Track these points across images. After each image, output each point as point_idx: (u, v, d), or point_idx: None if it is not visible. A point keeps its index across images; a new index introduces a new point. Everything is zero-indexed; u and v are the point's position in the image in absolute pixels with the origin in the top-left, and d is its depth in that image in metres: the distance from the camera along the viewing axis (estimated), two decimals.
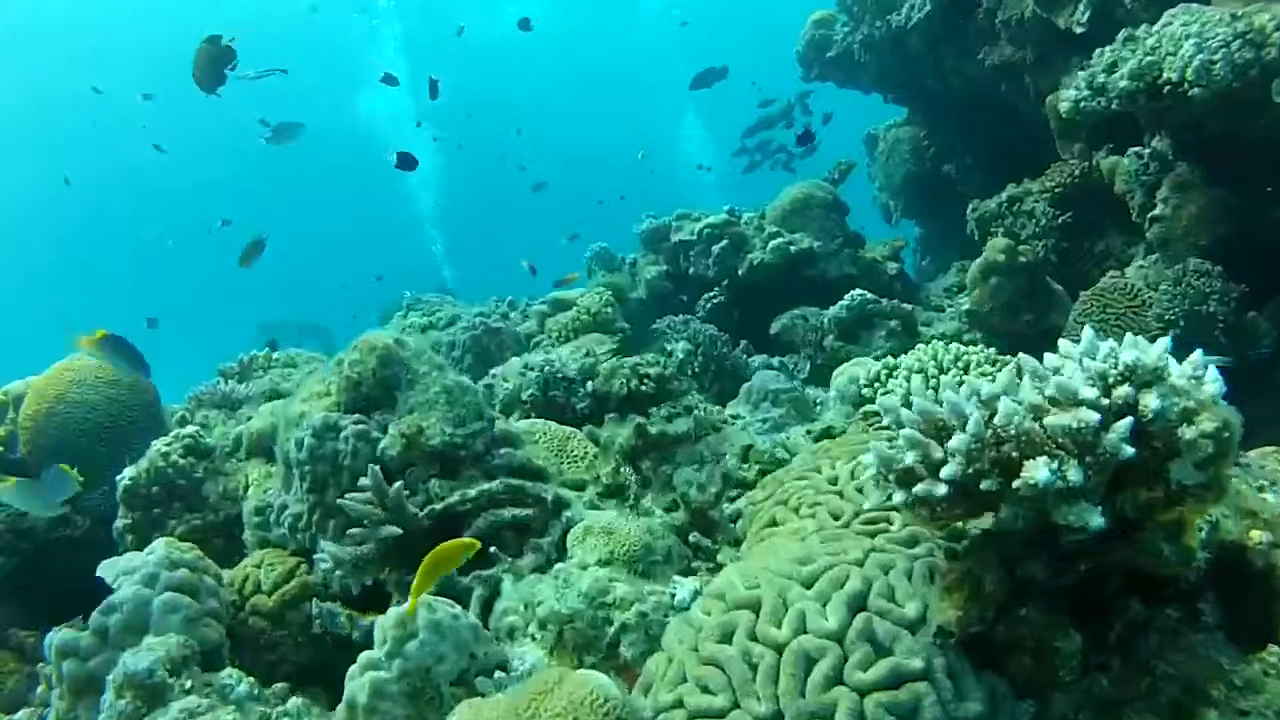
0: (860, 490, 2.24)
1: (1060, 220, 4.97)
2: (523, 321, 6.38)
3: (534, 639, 2.27)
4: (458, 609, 2.21)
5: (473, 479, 2.78)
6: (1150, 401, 1.54)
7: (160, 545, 2.68)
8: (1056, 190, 5.01)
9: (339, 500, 2.70)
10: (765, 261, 5.85)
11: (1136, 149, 4.30)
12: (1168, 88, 3.75)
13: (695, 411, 3.27)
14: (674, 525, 2.72)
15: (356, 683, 2.09)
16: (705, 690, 1.78)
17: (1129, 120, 4.25)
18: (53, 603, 3.12)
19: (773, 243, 5.87)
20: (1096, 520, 1.54)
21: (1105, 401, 1.57)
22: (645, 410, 3.24)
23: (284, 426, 3.02)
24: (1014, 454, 1.58)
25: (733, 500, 2.81)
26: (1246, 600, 1.82)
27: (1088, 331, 1.70)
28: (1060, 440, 1.56)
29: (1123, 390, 1.57)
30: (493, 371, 4.13)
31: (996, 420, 1.59)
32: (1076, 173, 4.93)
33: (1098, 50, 4.17)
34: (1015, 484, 1.56)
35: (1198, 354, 1.64)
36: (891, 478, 1.72)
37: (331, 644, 2.71)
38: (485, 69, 23.82)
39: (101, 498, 3.78)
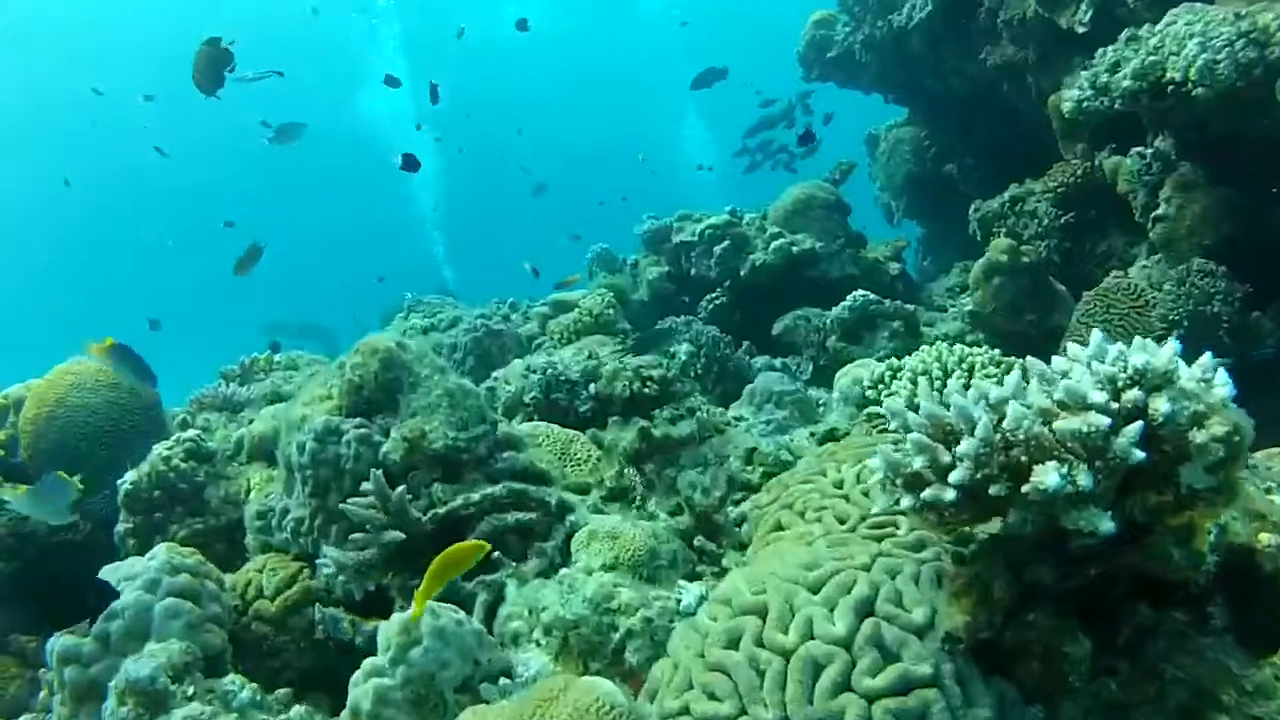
0: (866, 494, 2.23)
1: (1063, 220, 4.96)
2: (524, 323, 6.37)
3: (539, 645, 2.26)
4: (462, 615, 2.20)
5: (476, 483, 2.77)
6: (1160, 405, 1.53)
7: (161, 550, 2.67)
8: (1059, 190, 5.00)
9: (341, 505, 2.69)
10: (767, 262, 5.84)
11: (1139, 149, 4.29)
12: (1171, 87, 3.74)
13: (698, 413, 3.26)
14: (679, 529, 2.71)
15: (360, 689, 2.08)
16: (712, 697, 1.77)
17: (1131, 120, 4.24)
18: (54, 607, 3.11)
19: (775, 243, 5.86)
20: (1107, 525, 1.52)
21: (1115, 405, 1.55)
22: (648, 412, 3.23)
23: (285, 430, 3.00)
24: (1023, 459, 1.57)
25: (737, 504, 2.80)
26: (1256, 603, 1.81)
27: (1096, 334, 1.69)
28: (1070, 445, 1.55)
29: (1132, 394, 1.56)
30: (495, 374, 4.12)
31: (1005, 425, 1.58)
32: (1079, 173, 4.93)
33: (1100, 50, 4.16)
34: (1024, 489, 1.54)
35: (1207, 356, 1.63)
36: (899, 482, 1.71)
37: (334, 649, 2.69)
38: (485, 69, 23.82)
39: (103, 502, 3.77)
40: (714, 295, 6.03)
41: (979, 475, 1.59)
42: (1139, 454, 1.51)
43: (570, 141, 28.51)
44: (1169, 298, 3.87)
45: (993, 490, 1.58)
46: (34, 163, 22.75)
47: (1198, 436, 1.54)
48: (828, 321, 5.11)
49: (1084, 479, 1.51)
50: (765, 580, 1.93)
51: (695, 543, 2.69)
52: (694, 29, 19.89)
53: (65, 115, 21.49)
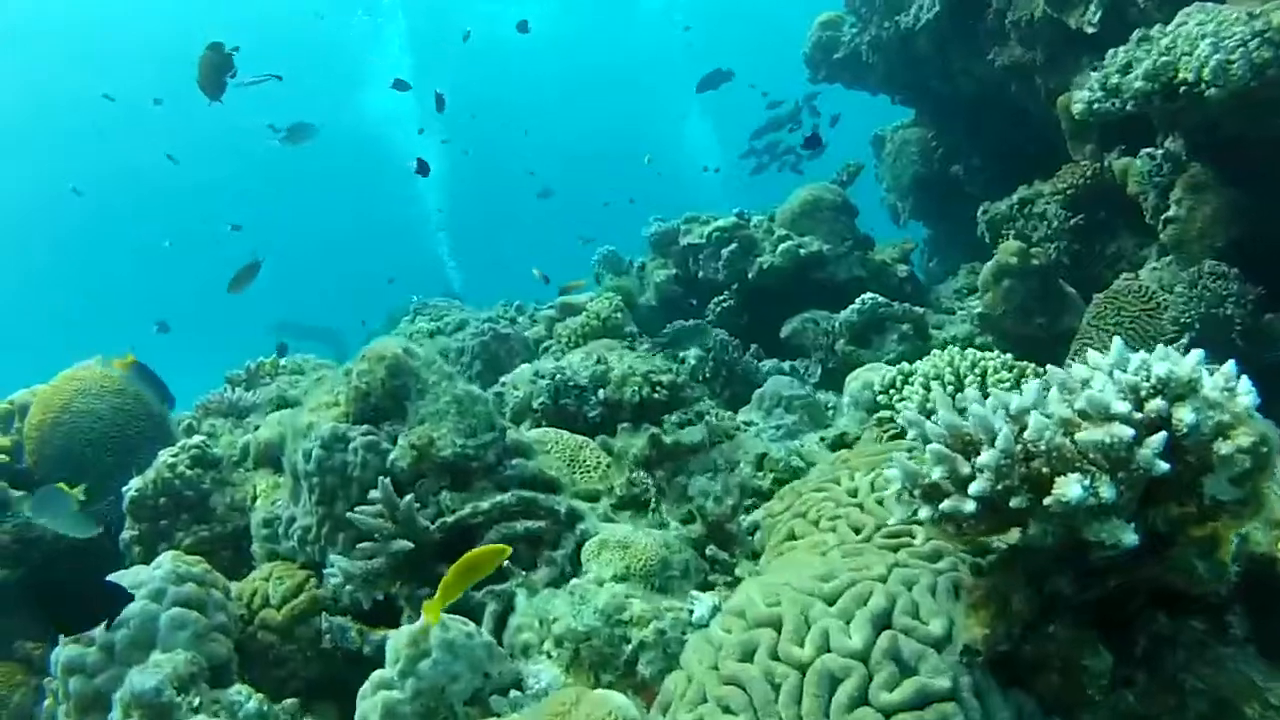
0: (880, 503, 2.20)
1: (1072, 222, 4.93)
2: (531, 326, 6.35)
3: (550, 656, 2.24)
4: (471, 627, 2.18)
5: (484, 491, 2.75)
6: (1184, 415, 1.50)
7: (167, 559, 2.65)
8: (1068, 192, 4.97)
9: (349, 513, 2.67)
10: (775, 265, 5.80)
11: (1149, 150, 4.26)
12: (1184, 88, 3.70)
13: (708, 418, 3.24)
14: (690, 538, 2.68)
15: (369, 702, 2.06)
16: (726, 710, 1.74)
17: (1141, 121, 4.21)
18: (60, 613, 3.09)
19: (782, 246, 5.83)
20: (1130, 538, 1.50)
21: (1138, 415, 1.53)
22: (658, 418, 3.20)
23: (292, 437, 2.98)
24: (1044, 470, 1.54)
25: (749, 511, 2.77)
26: (1277, 614, 1.78)
27: (1117, 342, 1.66)
28: (1092, 456, 1.52)
29: (1155, 404, 1.53)
30: (503, 379, 4.09)
31: (1026, 435, 1.55)
32: (1088, 174, 4.89)
33: (1111, 51, 4.13)
34: (1046, 501, 1.52)
35: (1230, 365, 1.60)
36: (916, 493, 1.68)
37: (341, 659, 2.67)
38: (489, 70, 23.83)
39: (108, 508, 3.75)
40: (722, 298, 6.00)
41: (1000, 487, 1.56)
42: (1163, 465, 1.48)
43: (573, 143, 28.48)
44: (1180, 300, 3.84)
45: (1014, 502, 1.55)
46: (35, 163, 22.81)
47: (1223, 448, 1.51)
48: (836, 324, 5.09)
49: (1106, 491, 1.48)
50: (780, 591, 1.90)
51: (707, 552, 2.66)
52: (697, 30, 19.90)
53: (66, 115, 21.52)
